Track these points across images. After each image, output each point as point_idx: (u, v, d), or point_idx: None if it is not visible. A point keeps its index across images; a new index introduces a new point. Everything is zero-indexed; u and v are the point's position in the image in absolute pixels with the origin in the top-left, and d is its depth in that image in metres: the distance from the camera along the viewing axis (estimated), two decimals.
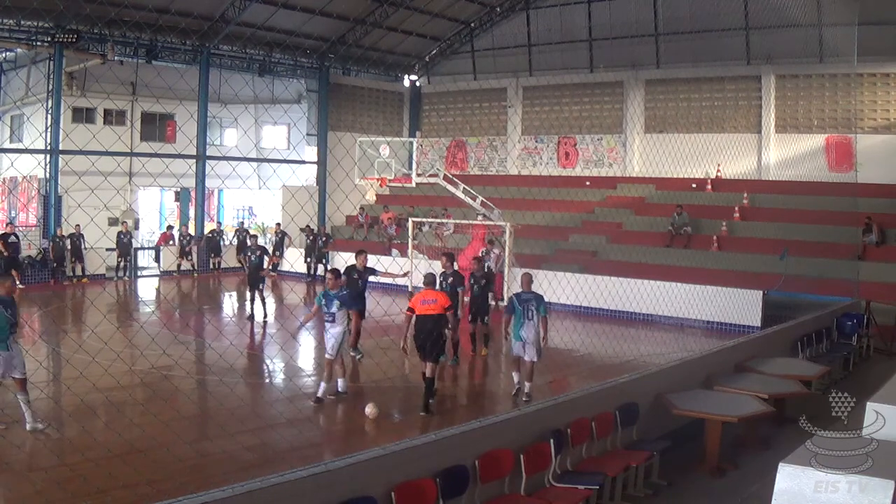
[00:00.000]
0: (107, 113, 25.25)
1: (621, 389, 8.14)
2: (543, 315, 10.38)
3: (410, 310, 10.06)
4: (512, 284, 18.95)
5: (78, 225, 20.76)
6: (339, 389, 10.31)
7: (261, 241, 19.46)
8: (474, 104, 29.33)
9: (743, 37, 23.49)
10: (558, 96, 27.37)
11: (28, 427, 8.35)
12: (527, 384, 10.52)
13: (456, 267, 12.80)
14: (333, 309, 10.11)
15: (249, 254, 16.27)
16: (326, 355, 10.17)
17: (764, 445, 8.52)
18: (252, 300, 16.05)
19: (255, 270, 16.06)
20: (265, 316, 16.18)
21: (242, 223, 27.14)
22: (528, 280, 10.70)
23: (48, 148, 21.86)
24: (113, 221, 22.85)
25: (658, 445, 7.67)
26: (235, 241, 24.79)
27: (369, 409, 9.34)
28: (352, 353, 12.27)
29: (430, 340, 9.80)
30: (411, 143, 24.46)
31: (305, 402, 10.19)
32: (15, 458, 7.72)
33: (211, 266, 24.25)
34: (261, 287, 16.11)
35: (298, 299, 19.97)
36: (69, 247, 21.06)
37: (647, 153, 24.73)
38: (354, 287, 12.19)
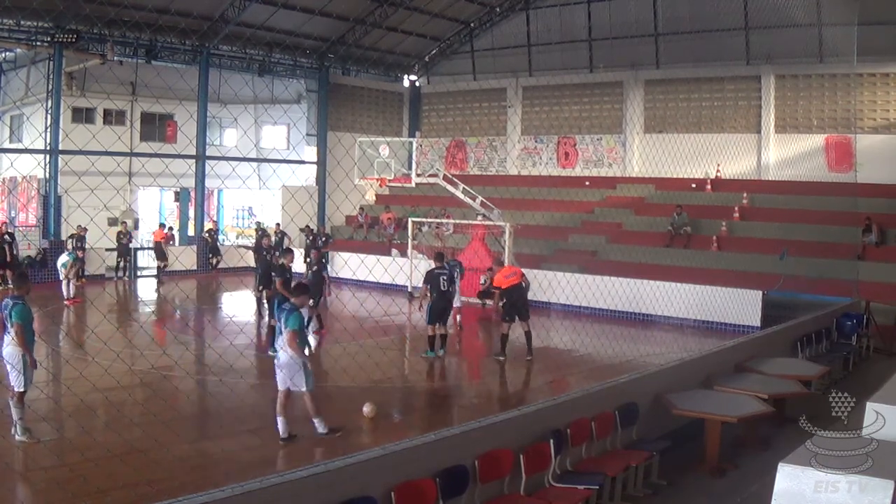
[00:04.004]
0: (106, 113, 25.23)
1: (621, 389, 8.14)
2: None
3: (497, 288, 12.68)
4: None
5: (79, 226, 20.74)
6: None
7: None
8: (474, 104, 29.31)
9: (743, 37, 23.48)
10: (558, 96, 27.36)
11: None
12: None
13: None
14: None
15: (267, 253, 16.36)
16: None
17: (764, 445, 8.51)
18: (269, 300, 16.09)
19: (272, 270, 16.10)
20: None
21: (260, 223, 27.11)
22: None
23: (48, 148, 21.83)
24: (113, 221, 22.84)
25: (658, 445, 7.66)
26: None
27: (367, 409, 9.34)
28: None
29: (523, 302, 12.67)
30: (411, 143, 24.46)
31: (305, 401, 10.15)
32: (15, 458, 7.72)
33: (210, 266, 24.25)
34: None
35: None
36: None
37: (646, 153, 24.72)
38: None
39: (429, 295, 12.86)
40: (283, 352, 8.45)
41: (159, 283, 22.06)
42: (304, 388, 8.45)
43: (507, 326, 12.76)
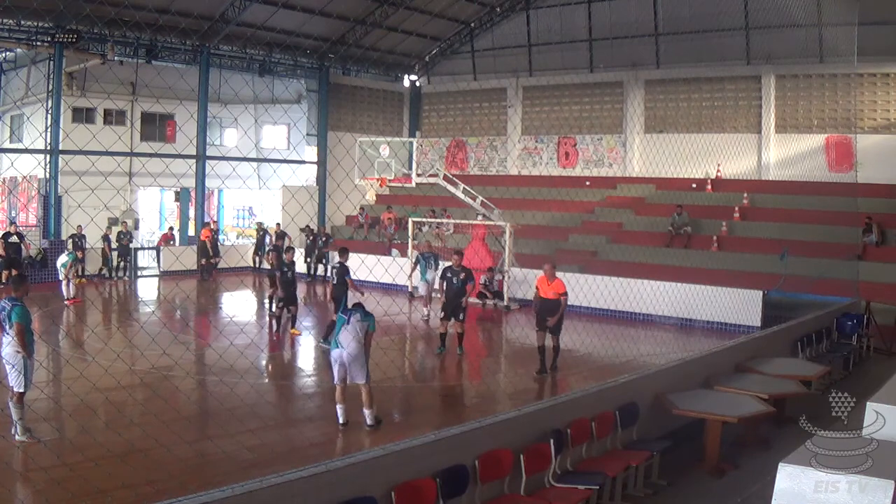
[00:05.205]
0: (107, 113, 25.25)
1: (621, 389, 8.13)
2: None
3: (565, 294, 11.84)
4: (511, 285, 18.97)
5: (80, 226, 20.77)
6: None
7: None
8: (474, 104, 29.32)
9: (743, 37, 23.48)
10: (558, 96, 27.36)
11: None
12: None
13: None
14: None
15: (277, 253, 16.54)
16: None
17: (764, 445, 8.51)
18: (272, 298, 16.17)
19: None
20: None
21: (262, 223, 27.13)
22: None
23: (48, 148, 21.85)
24: (113, 221, 22.85)
25: (658, 445, 7.67)
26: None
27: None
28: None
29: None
30: (411, 143, 24.44)
31: (305, 402, 10.18)
32: (15, 459, 7.71)
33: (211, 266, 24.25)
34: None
35: (298, 299, 19.92)
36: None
37: (647, 153, 24.72)
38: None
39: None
40: (354, 344, 8.80)
41: (211, 278, 22.55)
42: (362, 381, 8.87)
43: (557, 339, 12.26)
